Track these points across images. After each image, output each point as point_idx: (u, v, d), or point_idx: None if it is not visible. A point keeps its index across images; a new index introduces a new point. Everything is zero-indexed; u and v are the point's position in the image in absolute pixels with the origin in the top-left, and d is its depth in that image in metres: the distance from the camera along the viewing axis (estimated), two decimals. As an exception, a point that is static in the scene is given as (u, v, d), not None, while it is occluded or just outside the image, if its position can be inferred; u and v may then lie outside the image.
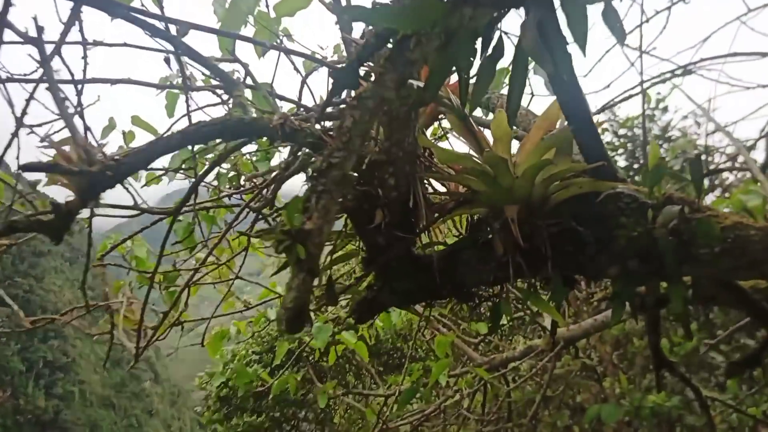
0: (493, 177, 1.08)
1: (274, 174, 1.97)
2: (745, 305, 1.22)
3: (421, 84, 0.90)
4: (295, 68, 1.82)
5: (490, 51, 0.81)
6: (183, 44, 1.41)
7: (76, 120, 1.80)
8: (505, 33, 0.83)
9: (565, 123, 1.08)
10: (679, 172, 1.29)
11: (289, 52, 1.55)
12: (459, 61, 0.85)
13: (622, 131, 4.17)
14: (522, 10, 0.81)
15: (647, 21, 2.50)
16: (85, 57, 2.04)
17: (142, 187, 3.30)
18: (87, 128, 1.77)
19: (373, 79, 0.79)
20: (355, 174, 1.14)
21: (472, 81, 0.88)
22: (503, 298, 1.20)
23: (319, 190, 0.75)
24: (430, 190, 1.22)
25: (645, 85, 2.46)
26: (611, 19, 0.90)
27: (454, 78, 0.94)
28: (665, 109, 4.07)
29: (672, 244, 1.01)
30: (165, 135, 1.27)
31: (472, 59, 0.87)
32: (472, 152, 1.12)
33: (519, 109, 0.85)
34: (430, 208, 1.17)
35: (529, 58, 0.80)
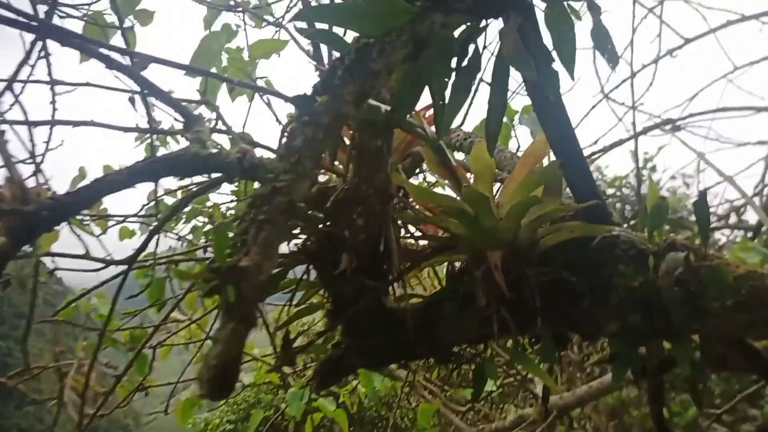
0: (473, 217, 0.95)
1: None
2: (759, 369, 1.08)
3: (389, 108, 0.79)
4: (276, 118, 1.73)
5: (465, 62, 0.70)
6: (142, 78, 1.31)
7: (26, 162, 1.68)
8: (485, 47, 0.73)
9: (553, 159, 0.97)
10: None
11: (259, 90, 1.46)
12: (431, 80, 0.74)
13: (610, 191, 4.12)
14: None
15: (634, 75, 2.47)
16: (53, 99, 1.94)
17: (122, 240, 3.15)
18: (38, 170, 1.65)
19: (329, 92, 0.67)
20: (321, 214, 1.02)
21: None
22: (488, 359, 1.05)
23: (259, 220, 0.62)
24: (404, 233, 1.09)
25: (636, 138, 2.40)
26: (602, 39, 0.81)
27: (426, 102, 0.84)
28: (653, 169, 4.04)
29: (679, 296, 0.88)
30: (112, 172, 1.15)
31: (446, 79, 0.76)
32: (449, 190, 1.00)
33: (499, 130, 0.74)
34: (405, 253, 1.04)
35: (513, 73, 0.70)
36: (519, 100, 2.29)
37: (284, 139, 0.71)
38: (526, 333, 1.04)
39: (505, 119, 2.01)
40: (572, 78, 0.79)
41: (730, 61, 2.68)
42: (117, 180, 1.09)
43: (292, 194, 0.63)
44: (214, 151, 1.10)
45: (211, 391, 0.56)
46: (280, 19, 2.25)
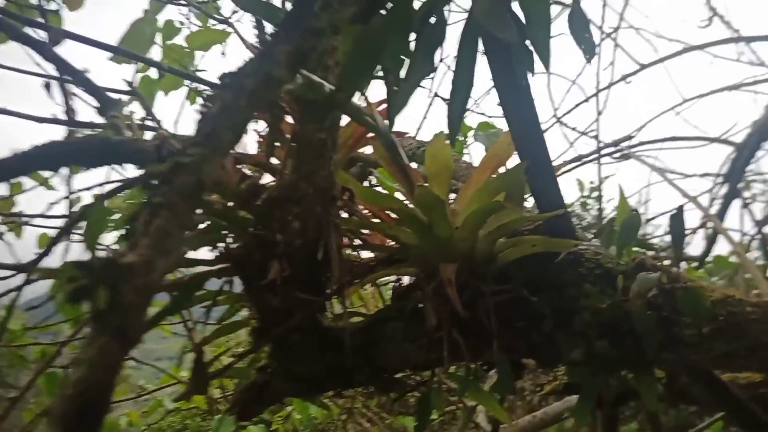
0: (426, 225, 0.83)
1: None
2: (726, 405, 1.00)
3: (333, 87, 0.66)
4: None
5: (425, 34, 0.58)
6: (53, 54, 1.14)
7: None
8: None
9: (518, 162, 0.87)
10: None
11: (190, 78, 1.31)
12: (385, 53, 0.62)
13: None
14: None
15: (587, 100, 2.45)
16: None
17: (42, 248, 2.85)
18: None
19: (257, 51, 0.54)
20: (250, 214, 0.87)
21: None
22: (435, 388, 0.92)
23: (154, 204, 0.48)
24: (347, 242, 0.95)
25: (584, 163, 2.37)
26: (579, 26, 0.71)
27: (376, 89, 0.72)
28: (599, 198, 4.06)
29: (652, 321, 0.78)
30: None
31: (403, 56, 0.64)
32: (401, 193, 0.88)
33: (463, 115, 0.62)
34: (346, 264, 0.90)
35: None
36: (473, 117, 2.21)
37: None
38: (480, 359, 0.92)
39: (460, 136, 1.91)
40: (547, 68, 0.69)
41: (679, 93, 2.71)
42: (5, 166, 0.92)
43: (202, 173, 0.49)
44: (127, 137, 0.94)
45: (66, 427, 0.41)
46: (229, 18, 2.10)
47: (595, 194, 4.30)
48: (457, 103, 0.61)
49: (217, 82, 0.53)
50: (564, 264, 0.89)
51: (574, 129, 2.68)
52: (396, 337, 0.91)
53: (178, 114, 1.60)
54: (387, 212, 0.93)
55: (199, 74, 1.60)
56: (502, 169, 0.91)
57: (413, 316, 0.92)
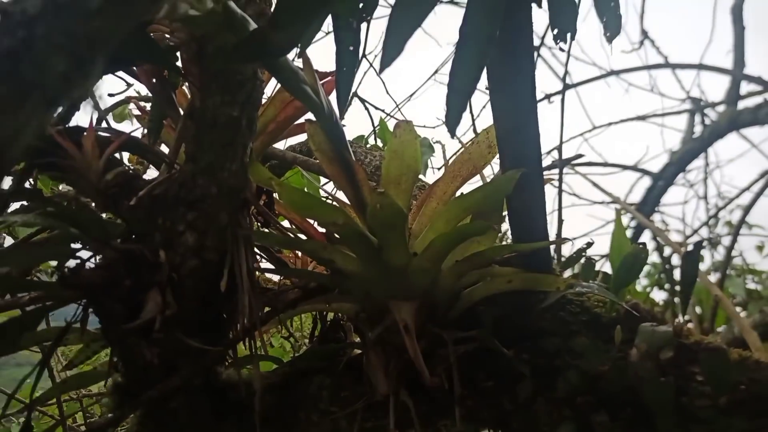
0: (376, 248, 0.60)
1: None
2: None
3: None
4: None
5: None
6: None
7: None
8: None
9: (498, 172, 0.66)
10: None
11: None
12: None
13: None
14: None
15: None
16: None
17: None
18: None
19: None
20: (118, 219, 0.59)
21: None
22: (371, 467, 0.69)
23: None
24: (264, 264, 0.70)
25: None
26: (605, 5, 0.52)
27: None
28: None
29: (669, 392, 0.59)
30: None
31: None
32: (344, 200, 0.64)
33: (471, 95, 0.40)
34: (260, 296, 0.65)
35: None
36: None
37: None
38: (434, 428, 0.69)
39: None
40: (573, 34, 0.49)
41: (589, 119, 2.70)
42: None
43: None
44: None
45: None
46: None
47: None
48: (464, 75, 0.38)
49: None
50: (542, 307, 0.69)
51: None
52: (322, 398, 0.66)
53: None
54: (317, 224, 0.69)
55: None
56: (475, 179, 0.69)
57: (348, 368, 0.68)
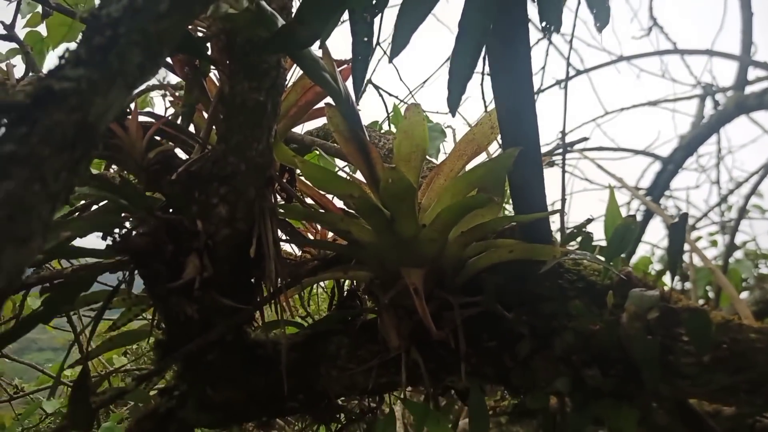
0: (388, 220, 0.67)
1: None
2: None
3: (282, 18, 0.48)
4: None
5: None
6: None
7: None
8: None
9: (499, 151, 0.72)
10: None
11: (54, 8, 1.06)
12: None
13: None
14: None
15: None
16: None
17: None
18: None
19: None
20: (159, 193, 0.67)
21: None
22: (386, 417, 0.76)
23: (4, 156, 0.28)
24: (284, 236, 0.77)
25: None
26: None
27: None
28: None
29: (654, 349, 0.66)
30: None
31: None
32: (359, 177, 0.71)
33: (469, 79, 0.46)
34: (285, 264, 0.72)
35: None
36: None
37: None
38: (442, 384, 0.77)
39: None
40: (558, 28, 0.55)
41: (601, 105, 2.72)
42: None
43: (89, 110, 0.29)
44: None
45: None
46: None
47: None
48: (463, 62, 0.44)
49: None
50: (541, 275, 0.75)
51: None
52: (341, 355, 0.73)
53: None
54: (334, 198, 0.76)
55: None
56: (479, 157, 0.76)
57: (363, 329, 0.75)
